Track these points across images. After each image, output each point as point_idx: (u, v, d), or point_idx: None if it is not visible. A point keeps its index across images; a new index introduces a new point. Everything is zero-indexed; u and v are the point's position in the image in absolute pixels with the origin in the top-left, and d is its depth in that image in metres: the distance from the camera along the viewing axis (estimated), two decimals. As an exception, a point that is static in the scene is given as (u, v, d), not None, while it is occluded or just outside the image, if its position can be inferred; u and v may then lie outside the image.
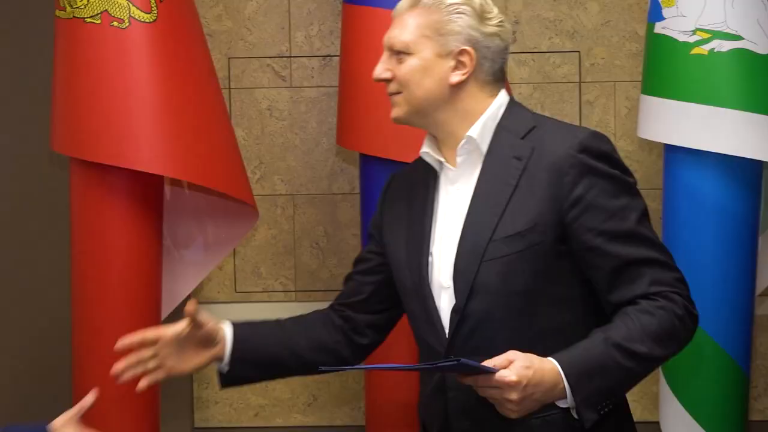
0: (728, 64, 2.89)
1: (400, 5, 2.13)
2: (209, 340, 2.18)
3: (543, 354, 1.95)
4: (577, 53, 3.65)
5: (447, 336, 2.10)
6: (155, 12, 2.96)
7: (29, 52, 3.47)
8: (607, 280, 2.03)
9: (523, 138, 2.09)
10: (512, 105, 2.16)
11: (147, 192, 3.06)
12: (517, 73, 3.63)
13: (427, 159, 2.18)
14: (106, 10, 2.92)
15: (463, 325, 2.08)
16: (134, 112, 2.92)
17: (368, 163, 3.10)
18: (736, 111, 2.87)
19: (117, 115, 2.90)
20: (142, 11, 2.94)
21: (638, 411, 3.62)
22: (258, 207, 3.23)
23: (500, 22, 2.12)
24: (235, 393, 3.65)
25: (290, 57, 3.66)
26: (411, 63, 2.09)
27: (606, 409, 2.00)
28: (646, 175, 3.61)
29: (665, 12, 2.95)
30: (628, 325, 1.98)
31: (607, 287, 2.04)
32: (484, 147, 2.10)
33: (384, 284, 2.29)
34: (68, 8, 2.96)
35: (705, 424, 2.95)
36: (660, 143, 3.15)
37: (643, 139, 3.25)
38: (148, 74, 2.93)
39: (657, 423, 3.15)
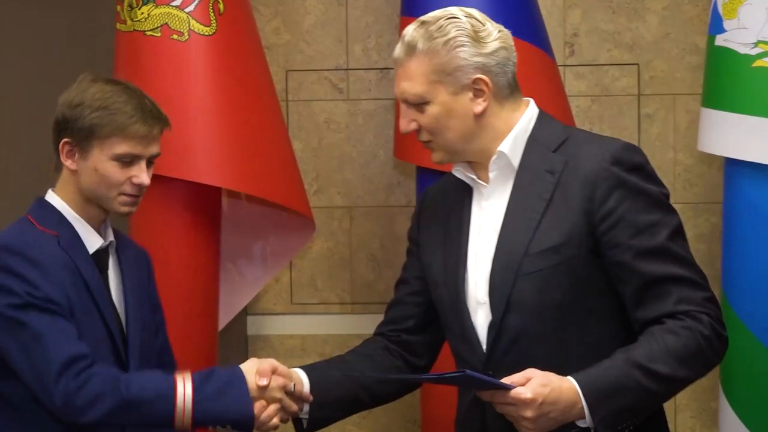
0: (792, 77, 2.85)
1: (397, 53, 2.11)
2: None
3: (578, 369, 1.96)
4: (636, 66, 3.61)
5: (484, 351, 2.10)
6: (214, 25, 2.99)
7: (90, 64, 3.49)
8: (634, 296, 2.01)
9: (555, 151, 2.07)
10: (542, 117, 2.14)
11: (204, 204, 3.07)
12: (575, 85, 3.61)
13: (459, 176, 2.18)
14: (166, 23, 2.96)
15: (500, 340, 2.07)
16: (192, 124, 2.95)
17: (425, 176, 3.09)
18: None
19: (175, 127, 2.89)
20: (201, 24, 2.98)
21: (697, 427, 3.59)
22: (315, 219, 3.26)
23: (498, 33, 2.09)
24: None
25: (347, 70, 3.66)
26: (432, 111, 2.07)
27: (627, 430, 2.00)
28: (706, 189, 3.60)
29: (726, 24, 2.91)
30: (651, 345, 1.96)
31: (635, 304, 2.02)
32: (516, 161, 2.09)
33: (432, 304, 2.27)
34: (129, 21, 3.00)
35: (752, 426, 2.90)
36: (720, 157, 3.10)
37: (703, 152, 3.22)
38: (206, 86, 2.97)
39: (717, 440, 3.11)
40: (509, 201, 2.09)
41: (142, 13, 2.96)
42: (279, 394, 2.17)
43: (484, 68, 2.05)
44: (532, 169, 2.07)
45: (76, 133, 2.19)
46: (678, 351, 1.95)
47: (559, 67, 3.27)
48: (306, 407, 2.22)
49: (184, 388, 2.12)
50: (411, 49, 2.07)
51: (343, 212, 3.69)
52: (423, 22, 2.09)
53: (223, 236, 3.22)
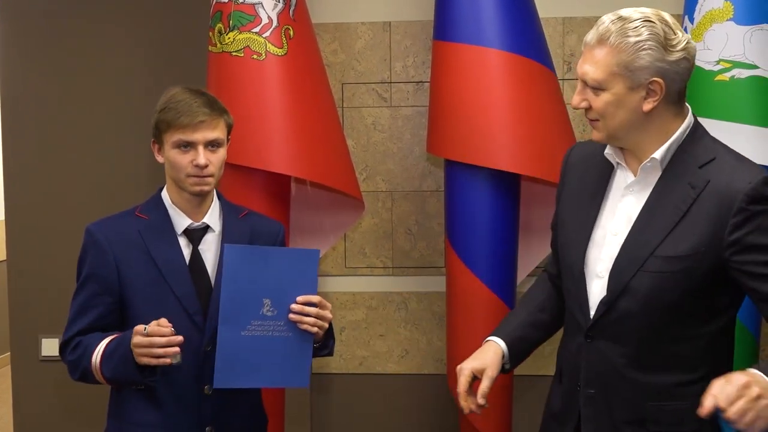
0: (746, 88, 2.82)
1: (590, 37, 1.89)
2: None
3: (671, 361, 1.84)
4: (621, 79, 3.57)
5: (591, 318, 1.95)
6: (286, 47, 2.98)
7: (187, 79, 3.50)
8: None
9: (701, 167, 1.86)
10: (695, 129, 1.93)
11: (277, 189, 3.07)
12: (571, 95, 3.48)
13: (610, 159, 2.00)
14: (248, 45, 2.96)
15: (608, 316, 1.92)
16: (268, 126, 2.93)
17: (451, 167, 3.07)
18: (752, 126, 2.80)
19: (254, 128, 2.91)
20: (275, 47, 2.96)
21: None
22: (364, 201, 3.26)
23: (686, 44, 1.86)
24: (344, 347, 3.68)
25: (390, 83, 3.64)
26: (605, 98, 1.87)
27: None
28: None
29: (694, 46, 2.90)
30: None
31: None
32: (664, 165, 1.91)
33: None
34: (218, 45, 3.00)
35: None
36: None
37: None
38: (279, 96, 2.95)
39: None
40: (649, 199, 1.90)
41: (229, 38, 2.97)
42: None
43: (663, 74, 1.84)
44: (675, 178, 1.88)
45: (155, 132, 2.22)
46: None
47: (559, 81, 3.26)
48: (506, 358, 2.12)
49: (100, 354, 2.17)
50: (603, 39, 1.85)
51: (386, 195, 3.68)
52: (621, 18, 1.87)
53: (291, 214, 3.22)
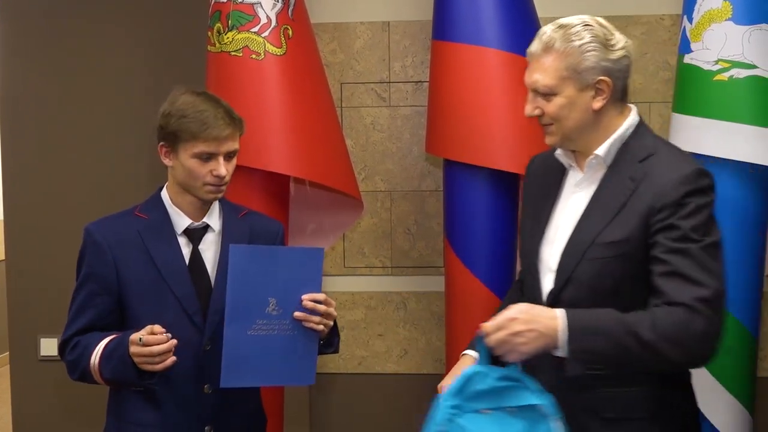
0: (745, 88, 2.82)
1: (534, 48, 2.00)
2: None
3: None
4: (620, 79, 3.58)
5: None
6: (285, 47, 2.98)
7: (187, 78, 3.51)
8: (654, 284, 1.88)
9: (641, 162, 1.96)
10: (639, 127, 2.02)
11: (277, 188, 3.08)
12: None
13: (561, 160, 2.09)
14: (246, 45, 2.96)
15: (555, 307, 1.94)
16: (267, 126, 2.95)
17: (450, 167, 3.08)
18: (751, 126, 2.80)
19: (253, 128, 2.86)
20: (274, 47, 2.97)
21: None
22: (363, 200, 3.26)
23: (624, 44, 1.98)
24: (343, 347, 3.66)
25: (389, 82, 3.64)
26: (557, 102, 1.96)
27: (594, 371, 1.87)
28: (674, 178, 3.55)
29: (693, 46, 2.88)
30: (642, 314, 1.83)
31: (653, 291, 1.88)
32: (608, 161, 2.00)
33: None
34: (217, 44, 3.01)
35: (722, 380, 2.87)
36: (687, 152, 3.07)
37: (672, 148, 3.18)
38: (278, 95, 2.95)
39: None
40: (594, 193, 2.00)
41: (228, 38, 2.98)
42: None
43: (608, 72, 1.95)
44: (618, 173, 1.97)
45: (167, 137, 2.19)
46: (663, 326, 1.80)
47: (558, 81, 3.24)
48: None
49: (98, 355, 2.16)
50: (549, 46, 1.96)
51: (385, 195, 3.68)
52: (561, 26, 1.98)
53: (290, 214, 3.23)
